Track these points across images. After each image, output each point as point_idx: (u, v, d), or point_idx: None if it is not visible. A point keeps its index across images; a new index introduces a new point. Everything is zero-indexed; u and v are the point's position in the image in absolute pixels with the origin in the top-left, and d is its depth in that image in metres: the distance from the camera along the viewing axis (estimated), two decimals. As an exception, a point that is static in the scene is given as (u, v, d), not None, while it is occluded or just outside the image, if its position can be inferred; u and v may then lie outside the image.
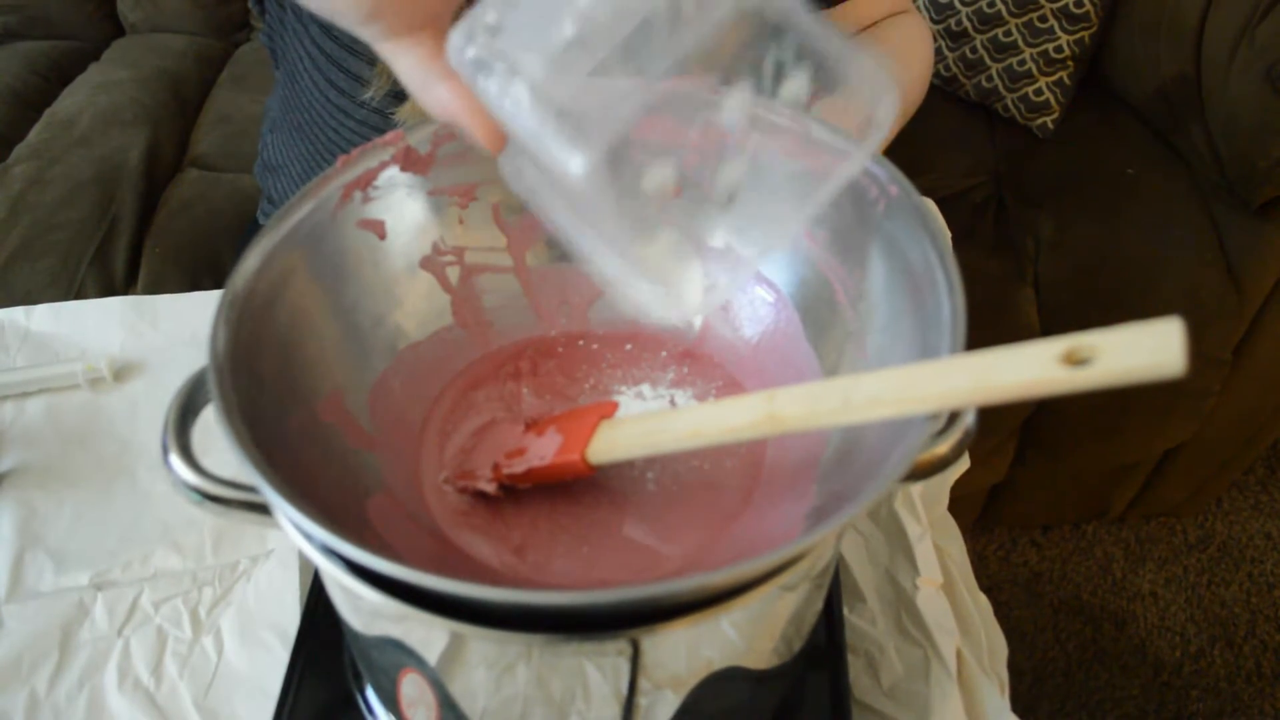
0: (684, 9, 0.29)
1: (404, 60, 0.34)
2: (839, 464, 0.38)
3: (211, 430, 0.30)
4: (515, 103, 0.30)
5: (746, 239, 0.33)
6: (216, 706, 0.47)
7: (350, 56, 0.66)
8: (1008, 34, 1.19)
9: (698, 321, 0.47)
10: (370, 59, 0.65)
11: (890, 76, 0.30)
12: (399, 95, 0.65)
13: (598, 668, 0.31)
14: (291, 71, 0.72)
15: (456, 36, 0.32)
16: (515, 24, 0.31)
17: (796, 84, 0.32)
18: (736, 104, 0.33)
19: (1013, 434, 1.16)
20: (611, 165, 0.29)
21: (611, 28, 0.30)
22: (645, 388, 0.45)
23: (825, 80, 0.31)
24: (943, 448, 0.32)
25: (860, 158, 0.32)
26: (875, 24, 0.73)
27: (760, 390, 0.35)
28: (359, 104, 0.68)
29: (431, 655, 0.33)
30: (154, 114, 1.24)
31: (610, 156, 0.29)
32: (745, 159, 0.34)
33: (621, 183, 0.32)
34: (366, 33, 0.34)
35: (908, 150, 0.67)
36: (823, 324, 0.42)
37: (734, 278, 0.34)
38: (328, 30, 0.66)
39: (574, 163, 0.29)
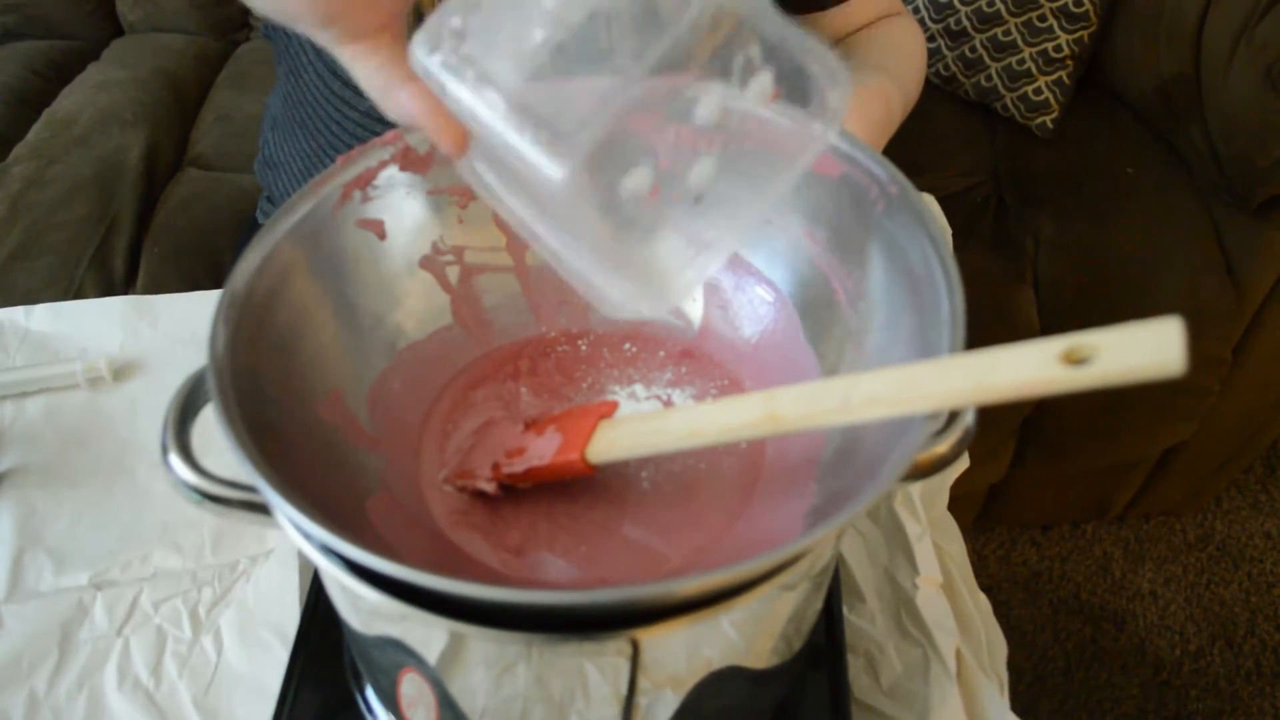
0: (658, 7, 0.29)
1: (363, 65, 0.34)
2: (839, 463, 0.38)
3: (211, 430, 0.30)
4: (489, 111, 0.30)
5: (715, 227, 0.33)
6: (216, 706, 0.47)
7: None
8: (1007, 33, 1.19)
9: (697, 317, 0.47)
10: None
11: (843, 65, 0.30)
12: None
13: (597, 667, 0.31)
14: (294, 67, 0.72)
15: (420, 41, 0.32)
16: (481, 28, 0.30)
17: (762, 82, 0.32)
18: (709, 103, 0.33)
19: (1012, 433, 1.16)
20: (589, 171, 0.29)
21: (582, 30, 0.29)
22: (644, 387, 0.45)
23: (787, 74, 0.31)
24: (942, 447, 0.32)
25: (819, 144, 0.32)
26: (868, 26, 0.73)
27: (760, 390, 0.35)
28: (364, 98, 0.67)
29: (431, 655, 0.33)
30: (153, 114, 1.24)
31: (587, 162, 0.29)
32: (715, 158, 0.34)
33: (598, 187, 0.31)
34: (323, 37, 0.33)
35: (907, 150, 0.67)
36: (822, 323, 0.42)
37: (702, 267, 0.33)
38: None
39: (553, 173, 0.28)
